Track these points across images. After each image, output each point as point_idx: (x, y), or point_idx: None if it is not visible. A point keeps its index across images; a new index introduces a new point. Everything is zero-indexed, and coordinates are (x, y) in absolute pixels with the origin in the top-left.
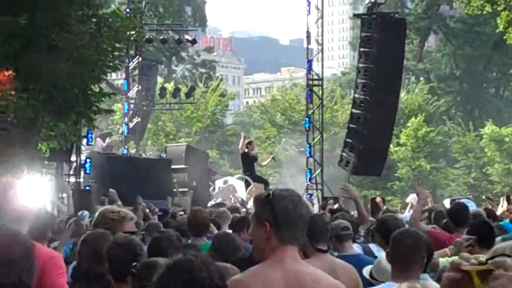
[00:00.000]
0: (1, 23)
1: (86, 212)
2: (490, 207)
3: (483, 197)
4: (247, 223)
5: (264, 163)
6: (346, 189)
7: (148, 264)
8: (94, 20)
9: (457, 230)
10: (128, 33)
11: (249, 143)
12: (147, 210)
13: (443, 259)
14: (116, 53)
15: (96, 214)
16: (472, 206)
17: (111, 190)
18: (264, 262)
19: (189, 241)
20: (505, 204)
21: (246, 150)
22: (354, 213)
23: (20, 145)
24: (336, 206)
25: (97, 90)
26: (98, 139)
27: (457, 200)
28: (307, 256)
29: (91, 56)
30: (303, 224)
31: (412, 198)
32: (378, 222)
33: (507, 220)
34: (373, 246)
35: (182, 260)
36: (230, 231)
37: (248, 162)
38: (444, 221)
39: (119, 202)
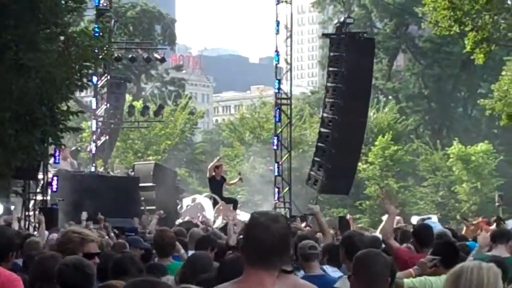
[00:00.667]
0: None
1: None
2: (465, 227)
3: (458, 217)
4: (211, 243)
5: (231, 182)
6: (310, 208)
7: (107, 286)
8: (62, 38)
9: (422, 250)
10: (96, 51)
11: (217, 167)
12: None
13: (408, 280)
14: (84, 71)
15: (60, 234)
16: (436, 226)
17: (83, 213)
18: (229, 282)
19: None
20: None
21: (213, 174)
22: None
23: None
24: (303, 224)
25: (65, 108)
26: (70, 159)
27: (423, 218)
28: None
29: (59, 75)
30: (272, 248)
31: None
32: (344, 237)
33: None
34: (327, 267)
35: (141, 281)
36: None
37: (215, 186)
38: (411, 240)
39: (90, 225)
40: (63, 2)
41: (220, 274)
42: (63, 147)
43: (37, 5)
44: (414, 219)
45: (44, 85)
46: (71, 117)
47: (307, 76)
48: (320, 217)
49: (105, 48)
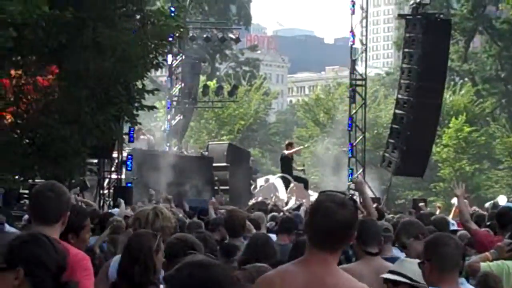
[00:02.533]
0: (49, 15)
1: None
2: None
3: None
4: (294, 225)
5: (293, 150)
6: (354, 181)
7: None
8: (138, 17)
9: (502, 233)
10: (171, 30)
11: (290, 144)
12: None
13: (484, 264)
14: (160, 50)
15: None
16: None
17: (151, 190)
18: (293, 261)
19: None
20: None
21: (286, 153)
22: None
23: (64, 141)
24: (374, 205)
25: (140, 86)
26: (147, 136)
27: (493, 203)
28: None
29: (135, 53)
30: (336, 235)
31: (456, 200)
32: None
33: None
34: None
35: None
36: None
37: (286, 166)
38: (488, 223)
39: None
40: None
41: (291, 256)
42: (138, 125)
43: None
44: (488, 205)
45: (120, 63)
46: (146, 95)
47: (382, 57)
48: (364, 191)
49: (180, 28)
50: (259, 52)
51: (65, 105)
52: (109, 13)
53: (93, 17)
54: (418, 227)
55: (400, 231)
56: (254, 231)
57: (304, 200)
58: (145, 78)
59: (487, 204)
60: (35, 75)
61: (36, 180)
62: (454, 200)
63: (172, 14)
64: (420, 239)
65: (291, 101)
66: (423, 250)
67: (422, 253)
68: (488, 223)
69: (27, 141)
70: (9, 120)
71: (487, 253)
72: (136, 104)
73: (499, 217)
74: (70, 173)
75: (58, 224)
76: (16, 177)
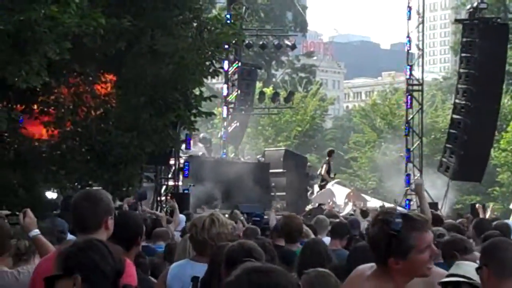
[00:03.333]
0: (107, 24)
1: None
2: None
3: None
4: (346, 230)
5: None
6: (415, 183)
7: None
8: (195, 24)
9: None
10: (228, 38)
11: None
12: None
13: None
14: (217, 57)
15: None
16: None
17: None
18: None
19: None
20: None
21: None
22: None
23: (123, 147)
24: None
25: (198, 93)
26: (199, 144)
27: None
28: None
29: (192, 60)
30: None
31: None
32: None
33: None
34: None
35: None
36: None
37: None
38: None
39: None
40: None
41: (348, 262)
42: (195, 132)
43: None
44: None
45: (178, 70)
46: (203, 102)
47: (439, 62)
48: (422, 194)
49: (238, 35)
50: (315, 58)
51: (123, 112)
52: (167, 21)
53: (150, 25)
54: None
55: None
56: (312, 236)
57: (362, 204)
58: (202, 85)
59: None
60: (93, 83)
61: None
62: None
63: (229, 22)
64: (457, 257)
65: (347, 106)
66: (481, 255)
67: (480, 258)
68: None
69: (86, 148)
70: (69, 128)
71: None
72: (194, 111)
73: None
74: (128, 180)
75: (101, 230)
76: (76, 183)
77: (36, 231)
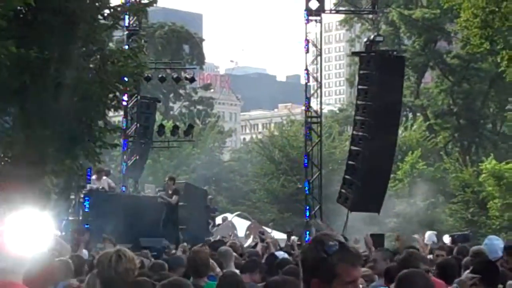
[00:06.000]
0: (14, 55)
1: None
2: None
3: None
4: (259, 265)
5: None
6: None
7: None
8: (98, 56)
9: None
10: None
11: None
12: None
13: None
14: (121, 88)
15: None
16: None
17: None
18: None
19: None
20: None
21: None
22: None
23: (27, 180)
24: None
25: (102, 125)
26: (104, 177)
27: (454, 235)
28: None
29: (96, 92)
30: None
31: (428, 237)
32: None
33: None
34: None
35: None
36: (237, 270)
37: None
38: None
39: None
40: (100, 17)
41: None
42: (100, 164)
43: (76, 21)
44: (446, 239)
45: (82, 102)
46: (107, 134)
47: (334, 94)
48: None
49: (141, 66)
50: (212, 90)
51: (29, 146)
52: (71, 53)
53: (55, 57)
54: None
55: None
56: (218, 269)
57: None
58: (105, 117)
59: (446, 239)
60: None
61: None
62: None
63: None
64: None
65: (244, 139)
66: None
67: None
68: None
69: None
70: None
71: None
72: (99, 143)
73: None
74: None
75: None
76: None
77: None
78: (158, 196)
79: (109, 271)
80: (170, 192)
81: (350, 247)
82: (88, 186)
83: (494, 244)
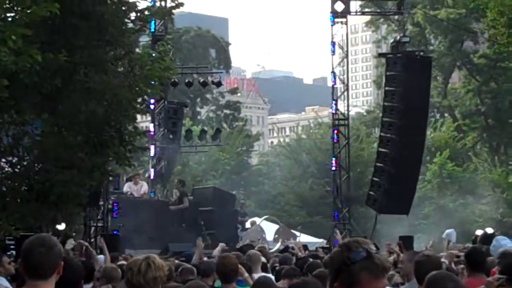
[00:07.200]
0: (44, 59)
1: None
2: None
3: None
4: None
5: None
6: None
7: None
8: (126, 60)
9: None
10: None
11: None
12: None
13: None
14: (149, 92)
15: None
16: (507, 244)
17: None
18: None
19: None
20: None
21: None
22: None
23: (64, 185)
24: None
25: (131, 129)
26: (128, 183)
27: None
28: None
29: (125, 96)
30: None
31: (446, 233)
32: None
33: None
34: None
35: None
36: (263, 273)
37: None
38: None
39: None
40: (127, 21)
41: None
42: (128, 168)
43: (105, 25)
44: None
45: (111, 106)
46: (137, 137)
47: (361, 96)
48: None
49: (169, 70)
50: (239, 94)
51: (60, 151)
52: (100, 57)
53: (84, 62)
54: None
55: None
56: (246, 274)
57: (292, 241)
58: (135, 121)
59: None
60: (28, 123)
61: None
62: (444, 234)
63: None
64: None
65: (272, 142)
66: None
67: None
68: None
69: (25, 188)
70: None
71: None
72: (129, 147)
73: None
74: (69, 218)
75: (54, 276)
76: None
77: None
78: (169, 209)
79: (138, 278)
80: (176, 196)
81: (377, 257)
82: (125, 189)
83: (502, 244)
